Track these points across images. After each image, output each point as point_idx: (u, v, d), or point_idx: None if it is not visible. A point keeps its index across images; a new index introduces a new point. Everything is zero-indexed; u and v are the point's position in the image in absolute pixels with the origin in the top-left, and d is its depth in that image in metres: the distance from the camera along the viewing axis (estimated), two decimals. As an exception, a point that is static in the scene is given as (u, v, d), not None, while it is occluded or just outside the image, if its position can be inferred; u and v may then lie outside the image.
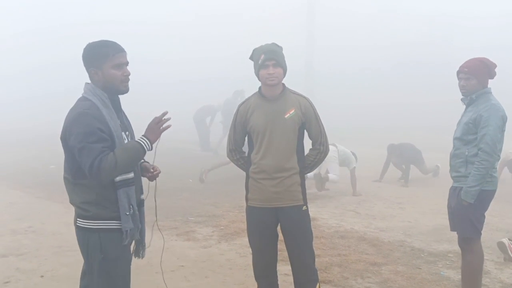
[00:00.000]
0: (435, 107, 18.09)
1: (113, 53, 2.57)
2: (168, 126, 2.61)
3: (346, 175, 8.59)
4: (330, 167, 8.45)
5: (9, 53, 27.12)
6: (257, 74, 3.31)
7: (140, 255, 2.88)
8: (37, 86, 25.65)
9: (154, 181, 2.88)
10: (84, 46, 2.65)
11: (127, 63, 2.64)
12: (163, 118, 2.60)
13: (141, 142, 2.55)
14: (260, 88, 3.40)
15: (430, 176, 9.89)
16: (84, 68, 2.66)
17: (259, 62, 3.24)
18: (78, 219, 2.62)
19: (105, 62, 2.55)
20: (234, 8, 26.69)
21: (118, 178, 2.54)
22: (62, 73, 24.60)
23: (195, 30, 26.98)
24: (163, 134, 2.66)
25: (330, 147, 8.21)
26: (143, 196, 2.81)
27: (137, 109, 11.05)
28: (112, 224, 2.57)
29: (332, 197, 8.21)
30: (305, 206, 3.37)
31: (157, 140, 2.62)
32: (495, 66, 3.61)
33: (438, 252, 5.28)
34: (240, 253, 5.21)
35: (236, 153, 3.55)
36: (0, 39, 26.99)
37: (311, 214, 6.94)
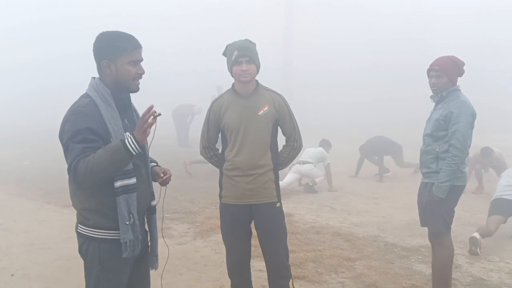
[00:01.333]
0: (410, 103, 18.35)
1: (132, 48, 2.38)
2: (152, 123, 2.26)
3: (322, 171, 8.65)
4: (314, 176, 8.43)
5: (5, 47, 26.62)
6: (230, 71, 3.28)
7: (154, 266, 2.68)
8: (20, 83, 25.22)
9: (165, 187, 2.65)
10: (88, 38, 2.42)
11: (142, 60, 2.45)
12: (148, 113, 2.25)
13: (126, 142, 2.24)
14: (233, 84, 3.38)
15: (411, 171, 9.96)
16: (86, 63, 2.45)
17: (232, 58, 3.22)
18: (79, 225, 2.44)
19: (121, 56, 2.37)
20: (209, 4, 26.63)
21: (118, 184, 2.33)
22: (53, 69, 24.27)
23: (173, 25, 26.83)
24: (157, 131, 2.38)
25: (307, 166, 8.27)
26: (154, 202, 2.61)
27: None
28: (112, 235, 2.38)
29: (309, 193, 8.25)
30: (279, 203, 3.36)
31: (147, 139, 2.34)
32: (463, 64, 3.68)
33: (411, 247, 5.36)
34: (215, 249, 5.20)
35: (209, 151, 3.54)
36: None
37: (287, 210, 7.02)
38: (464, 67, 3.68)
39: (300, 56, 22.56)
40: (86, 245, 2.42)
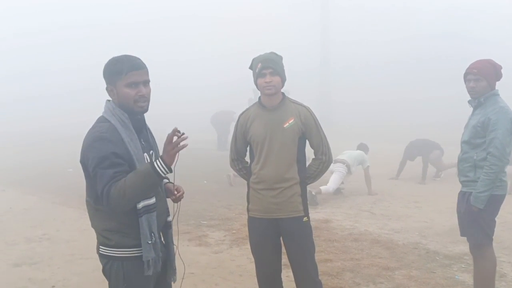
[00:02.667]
0: (452, 101, 17.76)
1: (127, 70, 2.38)
2: (184, 146, 2.28)
3: (361, 174, 8.48)
4: (332, 178, 8.11)
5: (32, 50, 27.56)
6: (256, 83, 3.26)
7: (172, 279, 2.72)
8: (56, 84, 25.98)
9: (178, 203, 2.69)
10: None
11: (144, 82, 2.43)
12: (174, 136, 2.28)
13: (156, 165, 2.28)
14: (260, 98, 3.36)
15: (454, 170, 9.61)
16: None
17: (257, 71, 3.21)
18: (100, 246, 2.50)
19: (118, 80, 2.40)
20: (248, 6, 26.65)
21: (140, 205, 2.37)
22: (79, 73, 24.93)
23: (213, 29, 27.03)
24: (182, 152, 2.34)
25: (339, 165, 8.08)
26: (169, 218, 2.66)
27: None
28: (135, 252, 2.43)
29: (347, 197, 8.12)
30: (306, 217, 3.29)
31: (175, 161, 2.34)
32: (501, 67, 3.50)
33: (453, 255, 5.16)
34: (250, 258, 5.09)
35: (238, 163, 3.52)
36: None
37: (324, 215, 6.93)
38: (502, 71, 3.50)
39: (338, 55, 22.28)
40: (109, 265, 2.46)
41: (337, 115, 19.95)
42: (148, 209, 2.41)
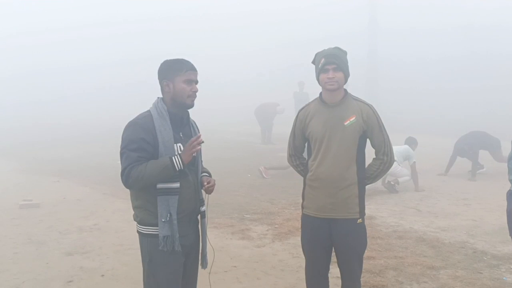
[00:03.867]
0: (509, 95, 17.02)
1: (187, 69, 2.78)
2: (197, 150, 2.72)
3: (407, 170, 8.32)
4: (397, 175, 8.15)
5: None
6: (318, 79, 3.19)
7: (203, 265, 3.01)
8: (103, 79, 26.76)
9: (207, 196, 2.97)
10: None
11: (197, 81, 2.83)
12: (195, 142, 2.70)
13: (174, 160, 2.67)
14: (320, 93, 3.28)
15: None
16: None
17: (319, 66, 3.13)
18: (136, 224, 2.83)
19: (178, 76, 2.76)
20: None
21: (160, 185, 2.69)
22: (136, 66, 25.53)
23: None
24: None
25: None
26: (203, 208, 2.93)
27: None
28: (156, 230, 2.73)
29: (391, 193, 7.98)
30: (360, 219, 3.20)
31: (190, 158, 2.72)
32: None
33: (502, 255, 5.00)
34: (293, 253, 5.21)
35: (295, 159, 3.47)
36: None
37: (369, 211, 6.86)
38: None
39: (386, 44, 21.75)
40: (140, 240, 2.83)
41: (384, 106, 19.57)
42: (169, 191, 2.70)
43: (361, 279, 4.02)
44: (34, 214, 7.02)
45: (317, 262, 3.35)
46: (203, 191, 2.93)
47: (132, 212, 2.84)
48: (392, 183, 8.02)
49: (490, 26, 21.40)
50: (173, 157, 2.67)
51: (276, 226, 6.20)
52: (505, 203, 3.66)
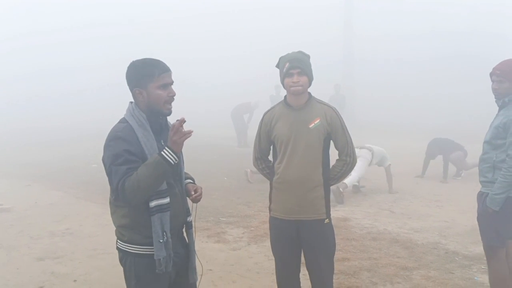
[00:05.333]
0: (481, 99, 17.40)
1: (159, 72, 2.48)
2: (189, 133, 2.42)
3: (382, 173, 8.42)
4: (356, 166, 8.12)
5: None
6: (282, 83, 3.23)
7: (192, 279, 2.73)
8: (75, 83, 26.40)
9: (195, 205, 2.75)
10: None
11: (172, 83, 2.55)
12: (181, 126, 2.40)
13: (164, 154, 2.40)
14: (285, 97, 3.32)
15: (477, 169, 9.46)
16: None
17: (284, 70, 3.17)
18: (117, 240, 2.60)
19: (150, 82, 2.48)
20: (270, 1, 26.60)
21: (153, 204, 2.45)
22: (98, 72, 25.29)
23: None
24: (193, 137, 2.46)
25: (364, 151, 8.13)
26: (190, 218, 2.70)
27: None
28: (146, 250, 2.50)
29: (367, 195, 8.07)
30: (327, 219, 3.25)
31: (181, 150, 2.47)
32: None
33: (473, 255, 5.10)
34: (268, 256, 5.20)
35: (261, 162, 3.50)
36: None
37: (344, 213, 6.91)
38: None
39: (362, 50, 22.02)
40: (124, 259, 2.58)
41: (361, 111, 19.79)
42: (161, 208, 2.47)
43: (336, 281, 4.08)
44: (5, 218, 6.86)
45: (287, 263, 3.38)
46: (189, 200, 2.71)
47: (108, 210, 2.66)
48: (341, 190, 7.46)
49: (463, 30, 21.91)
50: (162, 152, 2.40)
51: (252, 229, 6.19)
52: (476, 204, 3.74)
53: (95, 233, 6.11)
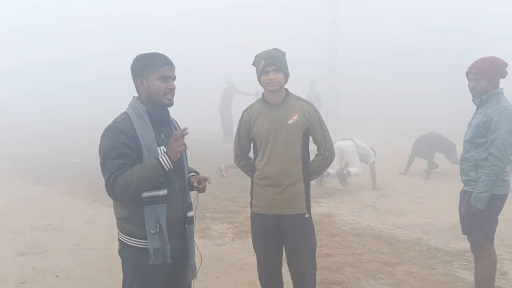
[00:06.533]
0: (465, 94, 17.62)
1: (161, 65, 2.56)
2: (183, 145, 2.48)
3: (366, 169, 8.48)
4: (350, 160, 8.40)
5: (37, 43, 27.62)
6: (259, 80, 3.27)
7: (190, 277, 2.74)
8: (61, 78, 26.07)
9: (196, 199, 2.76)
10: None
11: (174, 77, 2.61)
12: (183, 135, 2.48)
13: (161, 160, 2.44)
14: (263, 94, 3.37)
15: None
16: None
17: (260, 68, 3.21)
18: (119, 231, 2.62)
19: (152, 73, 2.55)
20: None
21: (145, 194, 2.47)
22: (85, 66, 25.01)
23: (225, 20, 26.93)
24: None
25: (347, 142, 8.29)
26: (190, 213, 2.70)
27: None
28: (143, 243, 2.51)
29: (351, 192, 8.12)
30: (308, 214, 3.31)
31: (178, 157, 2.50)
32: (506, 65, 3.46)
33: (455, 251, 5.17)
34: (252, 251, 5.07)
35: (242, 159, 3.53)
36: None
37: (327, 209, 6.94)
38: (507, 69, 3.48)
39: (347, 46, 22.13)
40: (123, 251, 2.61)
41: (345, 108, 19.91)
42: (155, 199, 2.49)
43: (319, 276, 4.11)
44: (-15, 213, 6.76)
45: (269, 258, 3.43)
46: (191, 194, 2.72)
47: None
48: (344, 172, 8.11)
49: (447, 27, 22.14)
50: (159, 157, 2.44)
51: (237, 224, 6.20)
52: (458, 201, 3.79)
53: (78, 228, 6.05)
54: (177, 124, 2.80)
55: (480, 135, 3.44)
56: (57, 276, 4.58)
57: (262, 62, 3.19)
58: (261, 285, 3.53)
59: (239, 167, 3.61)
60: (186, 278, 2.72)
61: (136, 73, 2.59)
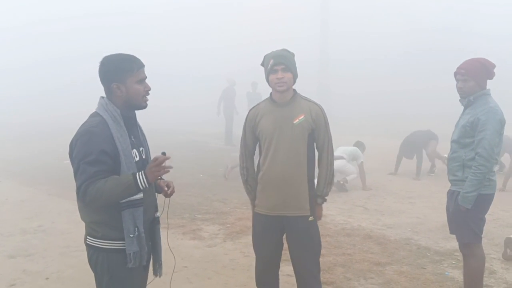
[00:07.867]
0: (453, 94, 17.77)
1: (137, 68, 2.53)
2: (166, 171, 2.42)
3: (355, 169, 8.53)
4: (346, 173, 8.34)
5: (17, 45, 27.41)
6: (267, 79, 3.24)
7: (158, 273, 2.79)
8: (51, 78, 25.91)
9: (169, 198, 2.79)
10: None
11: (146, 78, 2.59)
12: (163, 163, 2.40)
13: (138, 179, 2.39)
14: (271, 93, 3.33)
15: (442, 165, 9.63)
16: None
17: (268, 67, 3.19)
18: (88, 236, 2.56)
19: (129, 77, 2.49)
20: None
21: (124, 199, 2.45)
22: (74, 66, 24.85)
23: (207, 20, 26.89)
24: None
25: (338, 161, 8.22)
26: (158, 214, 2.73)
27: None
28: (120, 245, 2.49)
29: (342, 192, 8.15)
30: (311, 217, 3.26)
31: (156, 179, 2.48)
32: (494, 66, 3.50)
33: (444, 251, 5.22)
34: (244, 252, 5.22)
35: (245, 160, 3.45)
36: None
37: (318, 210, 6.93)
38: (495, 70, 3.52)
39: (337, 46, 22.22)
40: (95, 256, 2.53)
41: (336, 107, 19.99)
42: (132, 203, 2.47)
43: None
44: (-26, 216, 6.70)
45: (268, 259, 3.39)
46: (159, 196, 2.75)
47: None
48: (341, 182, 8.17)
49: (436, 27, 22.32)
50: (137, 174, 2.39)
51: (228, 225, 6.19)
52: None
53: (68, 230, 6.02)
54: (141, 127, 2.75)
55: (467, 135, 3.47)
56: (47, 278, 4.55)
57: (271, 61, 3.17)
58: (256, 285, 3.50)
59: (240, 167, 3.55)
60: (145, 276, 2.75)
61: (111, 78, 2.50)
